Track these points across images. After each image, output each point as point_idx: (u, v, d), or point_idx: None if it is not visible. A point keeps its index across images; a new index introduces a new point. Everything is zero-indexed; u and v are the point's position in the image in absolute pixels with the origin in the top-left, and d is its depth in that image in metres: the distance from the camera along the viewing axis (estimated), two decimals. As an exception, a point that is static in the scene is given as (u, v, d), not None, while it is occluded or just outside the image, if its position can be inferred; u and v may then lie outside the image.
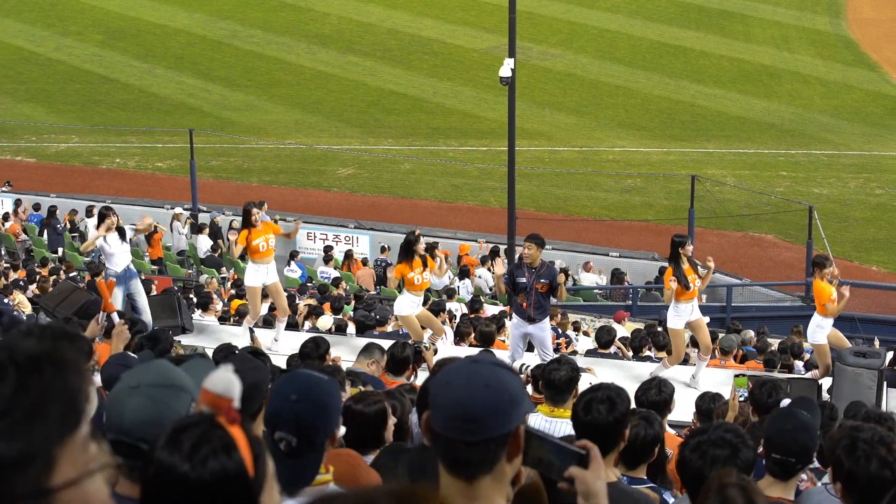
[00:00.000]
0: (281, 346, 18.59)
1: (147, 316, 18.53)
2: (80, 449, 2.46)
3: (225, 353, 12.46)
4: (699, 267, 17.75)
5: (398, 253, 18.71)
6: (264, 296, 19.55)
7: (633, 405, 7.33)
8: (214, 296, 23.92)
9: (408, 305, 18.36)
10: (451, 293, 27.97)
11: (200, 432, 3.07)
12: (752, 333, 25.55)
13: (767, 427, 6.88)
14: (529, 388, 11.98)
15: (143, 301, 18.57)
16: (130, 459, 3.84)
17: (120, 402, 4.04)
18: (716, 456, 5.49)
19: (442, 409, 3.34)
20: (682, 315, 17.52)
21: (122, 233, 18.12)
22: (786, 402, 9.19)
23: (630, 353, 21.11)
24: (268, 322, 21.43)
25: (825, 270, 18.05)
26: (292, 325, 22.34)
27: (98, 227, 18.26)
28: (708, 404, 11.71)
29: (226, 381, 3.11)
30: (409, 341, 13.86)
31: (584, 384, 9.63)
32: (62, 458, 2.42)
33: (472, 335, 19.90)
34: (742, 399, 11.18)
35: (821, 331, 18.31)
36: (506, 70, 29.16)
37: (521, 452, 3.41)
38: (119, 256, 18.07)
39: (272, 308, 21.88)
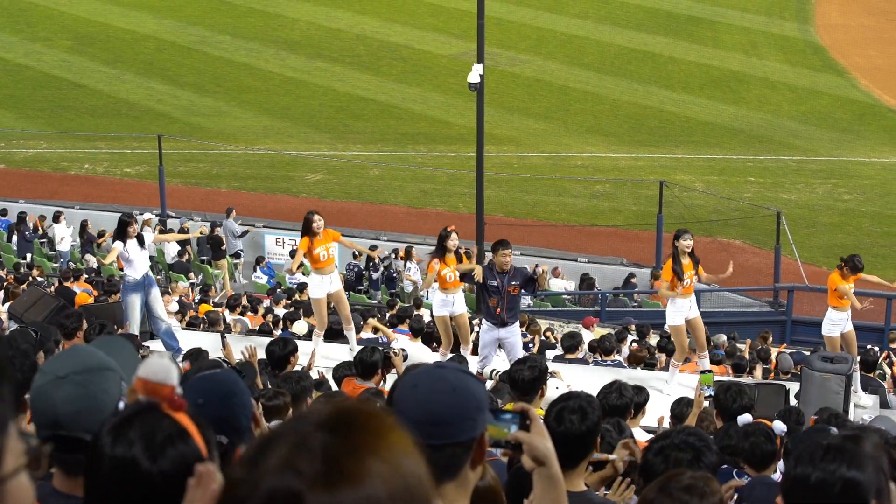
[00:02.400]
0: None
1: (163, 323, 18.46)
2: (15, 439, 2.36)
3: (194, 357, 12.46)
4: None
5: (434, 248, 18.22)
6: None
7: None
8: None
9: (446, 306, 18.17)
10: (418, 303, 27.82)
11: (149, 422, 3.01)
12: (724, 338, 25.66)
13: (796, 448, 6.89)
14: (499, 394, 11.99)
15: (160, 309, 18.42)
16: (70, 454, 3.71)
17: (47, 394, 3.81)
18: (678, 459, 5.49)
19: (407, 413, 3.32)
20: (682, 311, 17.60)
21: (140, 240, 18.08)
22: (747, 417, 9.18)
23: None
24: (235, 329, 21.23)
25: (853, 275, 18.71)
26: (267, 333, 22.24)
27: (116, 234, 18.16)
28: (683, 409, 11.73)
29: (163, 368, 3.03)
30: (379, 346, 13.84)
31: (551, 389, 9.69)
32: (7, 446, 2.32)
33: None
34: (708, 395, 11.24)
35: (832, 326, 19.07)
36: (474, 76, 29.17)
37: (484, 459, 3.41)
38: (138, 263, 17.99)
39: (235, 304, 21.59)
